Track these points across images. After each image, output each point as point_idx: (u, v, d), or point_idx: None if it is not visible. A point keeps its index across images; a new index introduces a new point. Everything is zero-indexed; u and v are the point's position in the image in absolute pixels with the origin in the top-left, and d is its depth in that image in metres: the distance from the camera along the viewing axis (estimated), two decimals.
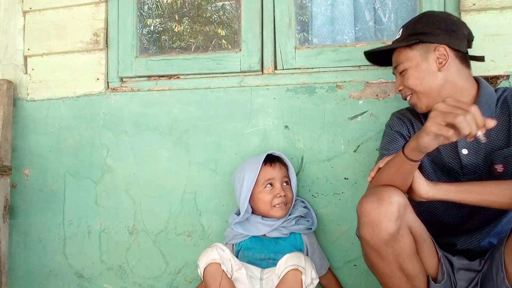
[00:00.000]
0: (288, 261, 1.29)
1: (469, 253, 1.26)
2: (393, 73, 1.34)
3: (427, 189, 1.10)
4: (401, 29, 1.30)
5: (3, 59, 2.02)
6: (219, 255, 1.34)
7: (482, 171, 1.21)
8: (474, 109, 0.93)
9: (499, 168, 1.18)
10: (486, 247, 1.24)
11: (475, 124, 0.92)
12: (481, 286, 1.18)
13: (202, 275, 1.35)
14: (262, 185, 1.49)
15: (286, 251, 1.45)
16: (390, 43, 1.59)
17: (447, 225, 1.29)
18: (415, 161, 1.06)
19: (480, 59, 1.27)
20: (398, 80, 1.30)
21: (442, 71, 1.19)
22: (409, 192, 1.14)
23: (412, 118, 1.34)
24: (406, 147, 1.08)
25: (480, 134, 0.94)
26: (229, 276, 1.35)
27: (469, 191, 1.09)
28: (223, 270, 1.33)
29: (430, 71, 1.20)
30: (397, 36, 1.30)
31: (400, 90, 1.29)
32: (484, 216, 1.24)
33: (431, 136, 0.98)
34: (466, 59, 1.23)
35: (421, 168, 1.29)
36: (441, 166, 1.26)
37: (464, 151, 1.22)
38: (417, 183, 1.10)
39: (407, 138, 1.32)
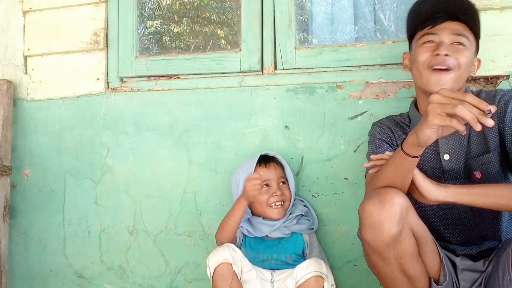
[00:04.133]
0: (309, 267, 1.28)
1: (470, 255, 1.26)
2: (435, 33, 1.18)
3: (436, 193, 1.08)
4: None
5: (3, 59, 2.02)
6: (231, 255, 1.32)
7: (463, 177, 1.21)
8: (469, 97, 0.93)
9: (478, 174, 1.19)
10: (490, 248, 1.24)
11: (476, 109, 0.92)
12: (486, 287, 1.18)
13: (212, 274, 1.32)
14: None
15: (288, 251, 1.46)
16: (390, 43, 1.60)
17: (445, 238, 1.28)
18: (414, 156, 1.06)
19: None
20: (446, 46, 1.15)
21: (469, 76, 1.21)
22: (418, 197, 1.12)
23: (392, 126, 1.35)
24: (405, 143, 1.07)
25: (486, 119, 0.92)
26: (239, 278, 1.34)
27: (480, 193, 1.07)
28: (234, 271, 1.31)
29: (469, 69, 1.19)
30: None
31: (446, 55, 1.15)
32: (480, 231, 1.24)
33: (433, 129, 0.98)
34: None
35: None
36: (424, 171, 1.25)
37: (446, 157, 1.22)
38: (425, 187, 1.09)
39: (390, 144, 1.32)
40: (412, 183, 1.11)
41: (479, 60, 1.25)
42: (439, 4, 1.19)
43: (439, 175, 1.24)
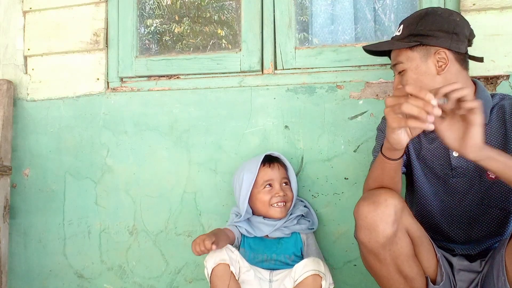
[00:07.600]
0: (307, 266, 1.29)
1: (469, 255, 1.26)
2: (391, 69, 1.31)
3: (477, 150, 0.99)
4: (402, 25, 1.25)
5: (3, 59, 2.02)
6: (228, 255, 1.33)
7: (473, 175, 1.21)
8: (409, 88, 0.93)
9: (492, 174, 1.17)
10: (487, 248, 1.24)
11: (421, 103, 0.91)
12: (482, 287, 1.18)
13: (209, 275, 1.33)
14: (261, 186, 1.49)
15: (288, 252, 1.46)
16: None
17: (447, 236, 1.28)
18: (394, 159, 1.07)
19: (479, 60, 1.24)
20: (396, 79, 1.27)
21: (441, 75, 1.17)
22: (459, 146, 1.01)
23: None
24: (383, 147, 1.09)
25: (435, 103, 0.90)
26: (236, 278, 1.34)
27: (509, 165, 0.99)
28: (231, 271, 1.32)
29: (429, 74, 1.18)
30: (397, 33, 1.25)
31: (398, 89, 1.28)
32: (486, 229, 1.23)
33: (397, 132, 0.99)
34: (465, 60, 1.21)
35: (411, 171, 1.29)
36: (431, 168, 1.26)
37: (455, 153, 1.21)
38: (474, 138, 0.97)
39: None
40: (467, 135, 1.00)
41: (444, 52, 1.16)
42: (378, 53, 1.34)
43: (448, 171, 1.23)
